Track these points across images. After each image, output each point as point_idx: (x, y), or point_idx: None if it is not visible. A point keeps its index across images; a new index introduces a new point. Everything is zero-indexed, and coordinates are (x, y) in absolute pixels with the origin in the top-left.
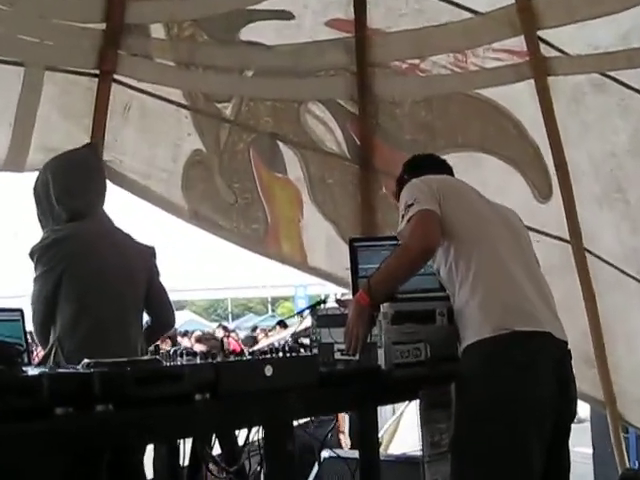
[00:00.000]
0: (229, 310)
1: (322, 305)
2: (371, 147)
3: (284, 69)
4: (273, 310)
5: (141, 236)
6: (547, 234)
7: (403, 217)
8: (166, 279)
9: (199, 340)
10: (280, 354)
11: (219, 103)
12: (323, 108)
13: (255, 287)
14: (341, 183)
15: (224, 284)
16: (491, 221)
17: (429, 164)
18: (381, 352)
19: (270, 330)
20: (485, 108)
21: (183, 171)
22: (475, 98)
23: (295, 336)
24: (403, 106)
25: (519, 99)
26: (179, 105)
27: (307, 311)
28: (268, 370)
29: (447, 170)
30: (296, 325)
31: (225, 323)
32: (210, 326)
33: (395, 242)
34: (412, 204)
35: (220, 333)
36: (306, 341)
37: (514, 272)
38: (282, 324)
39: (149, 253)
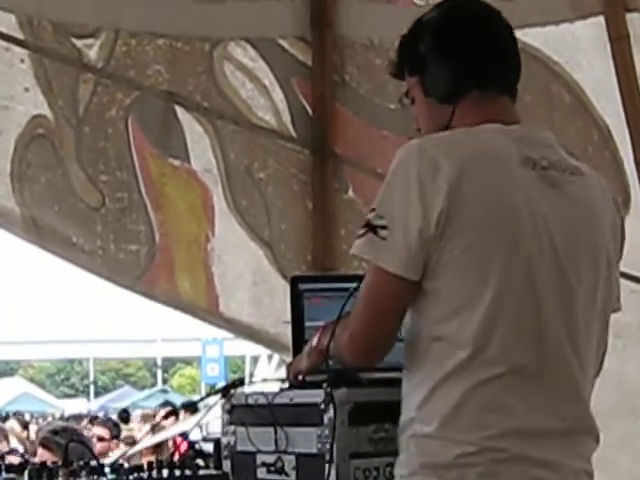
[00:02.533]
0: (90, 379)
1: (237, 388)
2: (331, 120)
3: None
4: (165, 381)
5: None
6: (622, 273)
7: (362, 232)
8: None
9: (44, 445)
10: (164, 471)
11: (79, 39)
12: (254, 53)
13: (136, 341)
14: (280, 179)
15: (82, 336)
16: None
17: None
18: (331, 470)
19: (163, 416)
20: (523, 62)
21: (15, 150)
22: None
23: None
24: (387, 54)
25: (580, 49)
26: (10, 40)
27: (215, 397)
28: None
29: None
30: (199, 417)
31: (84, 401)
32: (57, 406)
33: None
34: (380, 227)
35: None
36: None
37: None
38: (189, 407)
39: None
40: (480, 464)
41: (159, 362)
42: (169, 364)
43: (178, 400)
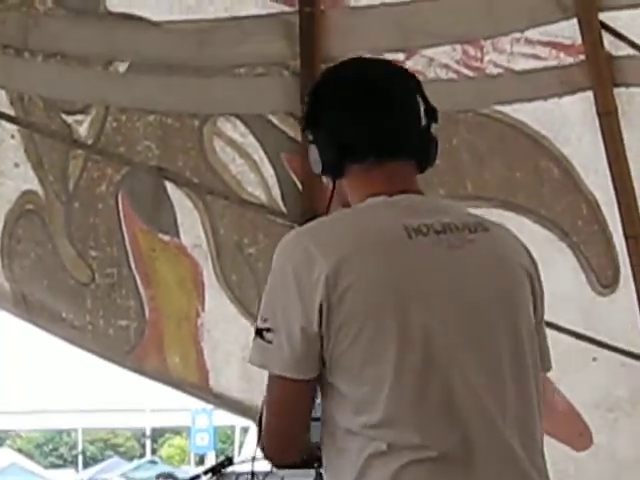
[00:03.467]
0: (79, 449)
1: (227, 467)
2: (321, 196)
3: (179, 62)
4: (154, 451)
5: None
6: (610, 347)
7: (253, 337)
8: None
9: None
10: None
11: (69, 115)
12: (243, 129)
13: (124, 411)
14: (271, 254)
15: (72, 406)
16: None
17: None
18: None
19: None
20: (512, 137)
21: (5, 226)
22: (496, 121)
23: None
24: None
25: (568, 124)
26: (1, 116)
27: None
28: None
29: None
30: None
31: (73, 472)
32: (45, 477)
33: None
34: (265, 330)
35: None
36: None
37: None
38: None
39: None
40: None
41: (148, 432)
42: (158, 434)
43: (167, 471)
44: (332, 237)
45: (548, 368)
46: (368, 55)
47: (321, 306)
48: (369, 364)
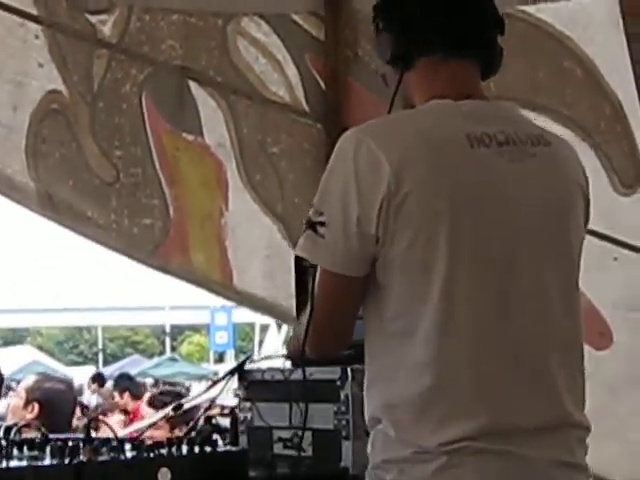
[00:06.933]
0: (99, 346)
1: (250, 363)
2: (345, 95)
3: None
4: (174, 348)
5: None
6: (631, 246)
7: (304, 229)
8: None
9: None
10: (184, 448)
11: (93, 15)
12: (267, 28)
13: (144, 309)
14: (294, 153)
15: (90, 303)
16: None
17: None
18: (348, 446)
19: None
20: (535, 38)
21: (29, 126)
22: (519, 20)
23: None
24: None
25: (592, 24)
26: (24, 16)
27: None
28: (164, 476)
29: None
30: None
31: (93, 369)
32: (65, 373)
33: None
34: (319, 224)
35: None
36: (227, 422)
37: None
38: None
39: None
40: (439, 459)
41: (167, 330)
42: (177, 332)
43: (187, 369)
44: (396, 139)
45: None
46: None
47: (380, 209)
48: (422, 270)
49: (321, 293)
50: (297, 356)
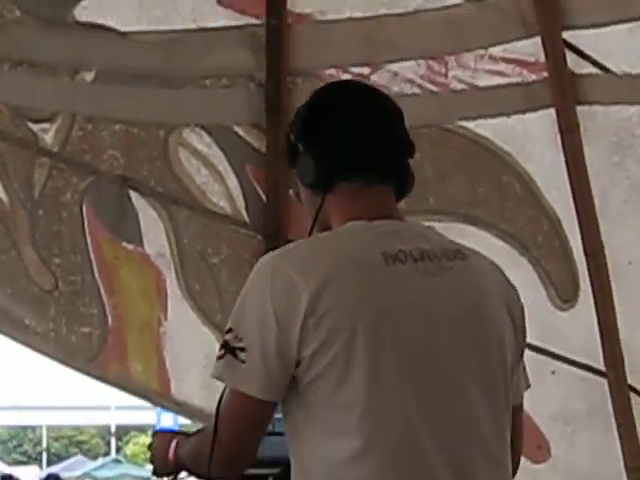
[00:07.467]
0: (43, 446)
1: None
2: (286, 206)
3: (146, 72)
4: (119, 449)
5: None
6: (568, 360)
7: (221, 353)
8: None
9: None
10: None
11: (35, 123)
12: (209, 139)
13: (89, 408)
14: (234, 264)
15: (35, 402)
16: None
17: (355, 134)
18: None
19: None
20: (475, 153)
21: None
22: (459, 136)
23: None
24: None
25: (531, 140)
26: None
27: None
28: None
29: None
30: None
31: (37, 469)
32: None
33: None
34: (239, 349)
35: None
36: None
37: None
38: None
39: None
40: None
41: (113, 430)
42: (123, 432)
43: (132, 471)
44: (313, 263)
45: (528, 386)
46: (333, 69)
47: (300, 330)
48: (342, 388)
49: (233, 415)
50: (204, 476)
